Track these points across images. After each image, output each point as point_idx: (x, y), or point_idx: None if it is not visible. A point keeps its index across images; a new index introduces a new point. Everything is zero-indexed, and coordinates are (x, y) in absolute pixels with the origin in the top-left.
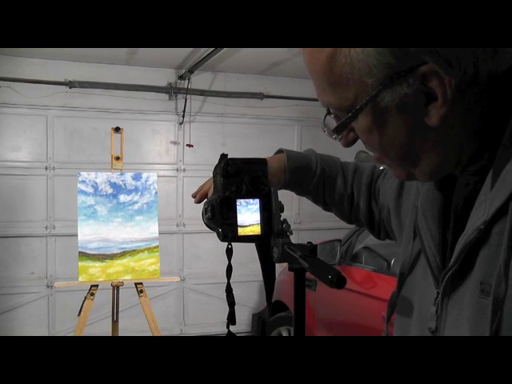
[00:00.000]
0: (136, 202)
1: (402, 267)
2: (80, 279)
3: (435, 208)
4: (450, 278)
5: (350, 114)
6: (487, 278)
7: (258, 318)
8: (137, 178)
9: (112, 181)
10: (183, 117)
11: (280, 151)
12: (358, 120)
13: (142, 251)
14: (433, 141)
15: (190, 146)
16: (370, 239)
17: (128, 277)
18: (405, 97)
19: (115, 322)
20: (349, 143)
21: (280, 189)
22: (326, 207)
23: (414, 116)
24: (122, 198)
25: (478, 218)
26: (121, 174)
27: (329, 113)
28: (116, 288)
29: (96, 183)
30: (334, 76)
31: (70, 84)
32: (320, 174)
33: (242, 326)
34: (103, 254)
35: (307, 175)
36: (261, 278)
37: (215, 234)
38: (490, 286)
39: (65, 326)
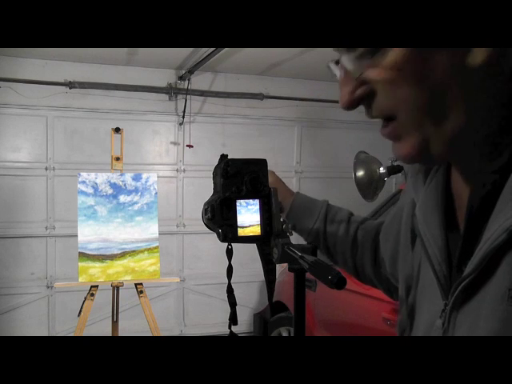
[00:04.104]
0: (136, 203)
1: (406, 282)
2: (80, 280)
3: (438, 213)
4: (463, 288)
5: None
6: None
7: (260, 318)
8: (137, 178)
9: (112, 181)
10: (183, 117)
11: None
12: (386, 55)
13: (142, 252)
14: (468, 90)
15: (189, 146)
16: None
17: (128, 277)
18: None
19: (115, 323)
20: (352, 102)
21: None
22: (330, 256)
23: (459, 51)
24: (122, 198)
25: (506, 218)
26: (121, 175)
27: (337, 63)
28: (116, 288)
29: (96, 184)
30: None
31: (70, 85)
32: (322, 218)
33: (243, 327)
34: (103, 255)
35: (310, 217)
36: (261, 278)
37: (215, 235)
38: None
39: (65, 327)
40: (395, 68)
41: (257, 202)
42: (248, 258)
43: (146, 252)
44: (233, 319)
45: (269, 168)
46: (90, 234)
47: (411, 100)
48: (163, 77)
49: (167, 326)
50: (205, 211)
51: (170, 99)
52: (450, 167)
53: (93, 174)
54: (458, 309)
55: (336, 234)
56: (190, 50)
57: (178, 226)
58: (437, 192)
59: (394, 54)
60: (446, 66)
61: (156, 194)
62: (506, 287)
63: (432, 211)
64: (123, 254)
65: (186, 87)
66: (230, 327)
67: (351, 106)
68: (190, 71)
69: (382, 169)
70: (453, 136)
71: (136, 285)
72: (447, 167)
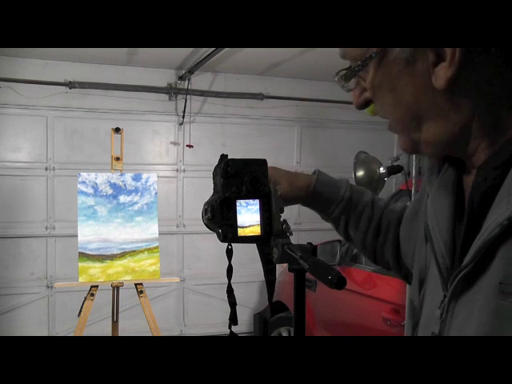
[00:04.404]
0: (136, 203)
1: (419, 274)
2: (80, 280)
3: (447, 206)
4: (461, 279)
5: (360, 61)
6: (508, 278)
7: (260, 318)
8: (137, 178)
9: (112, 181)
10: (183, 117)
11: (315, 172)
12: (369, 73)
13: (142, 252)
14: (440, 107)
15: (189, 146)
16: None
17: (128, 277)
18: (413, 50)
19: (115, 323)
20: (360, 104)
21: (303, 205)
22: (348, 239)
23: (422, 74)
24: (122, 198)
25: (500, 213)
26: (121, 175)
27: (347, 69)
28: (116, 288)
29: (96, 184)
30: None
31: (70, 85)
32: (346, 204)
33: (243, 327)
34: (103, 255)
35: (331, 203)
36: (261, 278)
37: (215, 235)
38: None
39: (65, 327)
40: (373, 87)
41: (257, 202)
42: (248, 258)
43: (145, 252)
44: (233, 319)
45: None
46: (90, 234)
47: (392, 112)
48: (163, 77)
49: (167, 326)
50: (205, 211)
51: (170, 99)
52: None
53: (93, 174)
54: (456, 299)
55: (359, 219)
56: (190, 50)
57: (178, 226)
58: (447, 185)
59: (370, 75)
60: (412, 88)
61: (156, 194)
62: (498, 281)
63: (442, 204)
64: (123, 254)
65: (186, 87)
66: (230, 327)
67: (360, 107)
68: (190, 71)
69: (381, 169)
70: (439, 140)
71: (136, 285)
72: (460, 160)
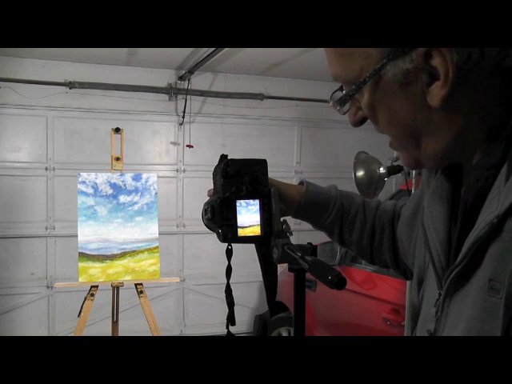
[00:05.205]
0: (136, 203)
1: (418, 274)
2: (80, 280)
3: (442, 206)
4: (454, 276)
5: (354, 86)
6: (497, 275)
7: (260, 319)
8: (137, 178)
9: (112, 181)
10: (183, 117)
11: (301, 183)
12: (363, 95)
13: (142, 252)
14: (436, 123)
15: (189, 146)
16: None
17: (128, 277)
18: (407, 73)
19: (115, 323)
20: (356, 122)
21: (294, 217)
22: (343, 244)
23: (417, 94)
24: (122, 198)
25: (490, 212)
26: (121, 175)
27: (340, 89)
28: (116, 289)
29: (96, 184)
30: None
31: (70, 85)
32: (337, 211)
33: (243, 327)
34: (103, 255)
35: (323, 212)
36: (261, 278)
37: (215, 235)
38: (501, 284)
39: (65, 327)
40: (368, 108)
41: (257, 202)
42: (248, 258)
43: (145, 252)
44: (230, 319)
45: (269, 168)
46: (89, 234)
47: (389, 131)
48: (163, 77)
49: (167, 326)
50: (205, 211)
51: (169, 99)
52: None
53: (93, 174)
54: (450, 297)
55: (352, 224)
56: (190, 50)
57: (178, 226)
58: (443, 186)
59: (365, 98)
60: (407, 108)
61: (156, 194)
62: (488, 277)
63: (438, 203)
64: (123, 254)
65: (186, 87)
66: (227, 327)
67: (356, 125)
68: (190, 71)
69: (381, 169)
70: (438, 153)
71: (136, 285)
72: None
